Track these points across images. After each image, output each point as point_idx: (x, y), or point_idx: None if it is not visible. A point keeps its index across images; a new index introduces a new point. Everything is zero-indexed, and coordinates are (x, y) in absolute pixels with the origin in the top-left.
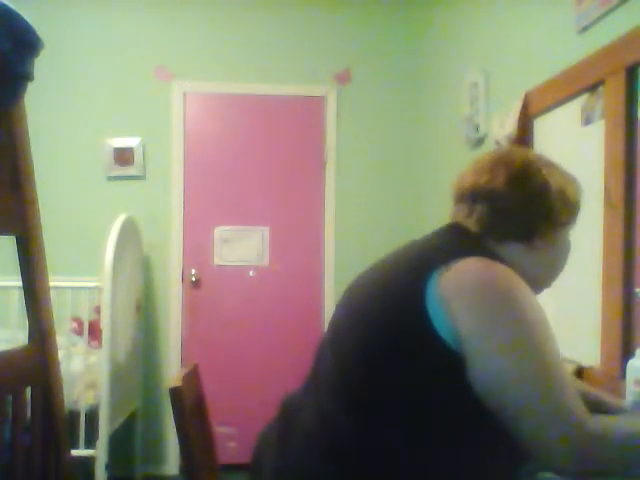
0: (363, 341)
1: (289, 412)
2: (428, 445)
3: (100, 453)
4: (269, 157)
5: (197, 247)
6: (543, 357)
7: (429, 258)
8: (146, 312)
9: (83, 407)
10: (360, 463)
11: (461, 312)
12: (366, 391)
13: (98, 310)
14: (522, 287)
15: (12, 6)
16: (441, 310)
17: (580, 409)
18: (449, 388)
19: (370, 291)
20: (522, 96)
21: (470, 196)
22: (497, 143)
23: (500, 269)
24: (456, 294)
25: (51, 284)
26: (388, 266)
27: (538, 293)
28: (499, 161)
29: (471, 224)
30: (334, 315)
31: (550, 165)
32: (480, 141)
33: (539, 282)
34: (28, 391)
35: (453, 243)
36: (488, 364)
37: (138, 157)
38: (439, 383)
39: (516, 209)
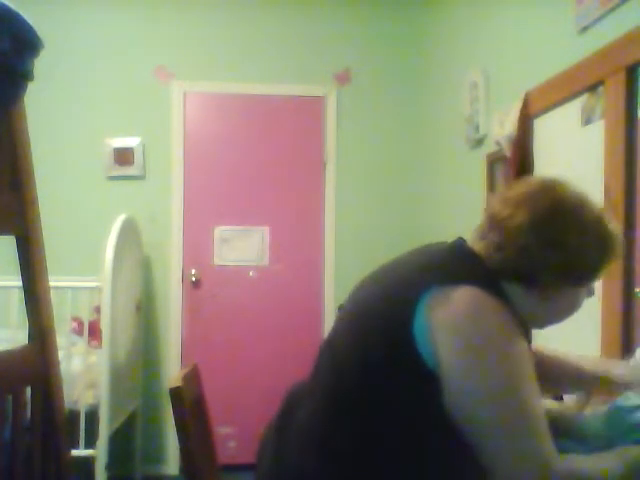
0: (355, 348)
1: (290, 406)
2: (409, 453)
3: (100, 453)
4: (269, 157)
5: (197, 247)
6: (518, 400)
7: (426, 275)
8: (146, 312)
9: (83, 407)
10: (350, 465)
11: (444, 342)
12: (356, 398)
13: (98, 310)
14: (509, 329)
15: (12, 6)
16: (426, 332)
17: (549, 450)
18: (425, 403)
19: (369, 299)
20: (522, 96)
21: (489, 221)
22: (497, 143)
23: (493, 307)
24: (443, 323)
25: (51, 284)
26: (390, 275)
27: (532, 328)
28: (527, 199)
29: (481, 248)
30: (338, 316)
31: (586, 217)
32: (480, 141)
33: (533, 322)
34: (28, 391)
35: (455, 265)
36: (462, 397)
37: (138, 157)
38: (417, 397)
39: (522, 255)
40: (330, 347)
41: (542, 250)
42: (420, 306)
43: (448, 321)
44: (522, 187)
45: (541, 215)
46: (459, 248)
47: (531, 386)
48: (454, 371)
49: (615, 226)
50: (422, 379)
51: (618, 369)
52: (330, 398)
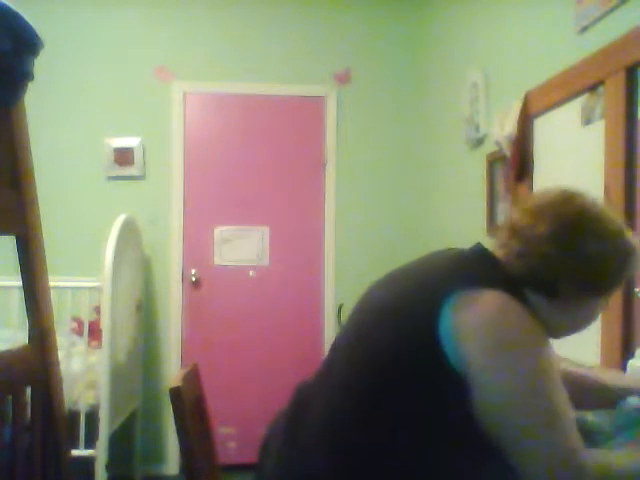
0: (378, 349)
1: (301, 404)
2: (426, 458)
3: (100, 453)
4: (269, 157)
5: (197, 247)
6: (546, 399)
7: (450, 281)
8: (146, 312)
9: (83, 407)
10: (366, 465)
11: (472, 343)
12: (376, 401)
13: (98, 310)
14: (536, 331)
15: (12, 6)
16: (452, 335)
17: (579, 447)
18: (452, 408)
19: (391, 300)
20: (522, 96)
21: (510, 230)
22: (497, 143)
23: (518, 311)
24: (471, 325)
25: (51, 284)
26: (412, 277)
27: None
28: (550, 208)
29: (502, 255)
30: (352, 314)
31: (607, 228)
32: (480, 141)
33: (550, 332)
34: (28, 391)
35: (479, 270)
36: (492, 397)
37: (138, 157)
38: (439, 400)
39: (545, 266)
40: (347, 347)
41: (563, 259)
42: (445, 309)
43: (476, 322)
44: (542, 197)
45: (563, 224)
46: (482, 254)
47: (558, 384)
48: (484, 371)
49: (635, 239)
50: (447, 382)
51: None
52: (349, 398)
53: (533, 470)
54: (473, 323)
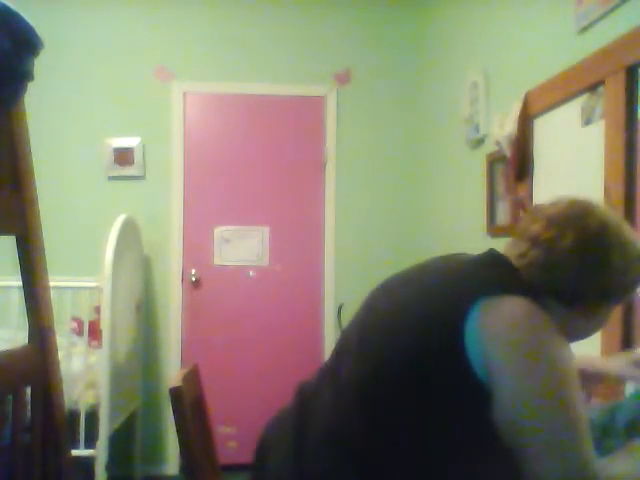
0: (398, 357)
1: (305, 406)
2: (440, 462)
3: (100, 453)
4: (269, 157)
5: (197, 247)
6: (567, 407)
7: (475, 286)
8: (146, 312)
9: (83, 407)
10: (377, 467)
11: (497, 350)
12: (391, 405)
13: (98, 310)
14: (558, 337)
15: (12, 6)
16: (478, 342)
17: (592, 456)
18: (470, 414)
19: (408, 304)
20: (522, 96)
21: (530, 241)
22: (497, 143)
23: (542, 316)
24: (496, 332)
25: (51, 284)
26: (428, 283)
27: None
28: (574, 220)
29: (520, 265)
30: (361, 316)
31: (625, 241)
32: (480, 141)
33: (565, 337)
34: (28, 391)
35: (501, 276)
36: (513, 402)
37: (138, 157)
38: (463, 410)
39: (570, 277)
40: (359, 350)
41: (589, 271)
42: (472, 316)
43: (501, 329)
44: (561, 208)
45: (589, 236)
46: (501, 260)
47: (578, 392)
48: (507, 376)
49: None
50: (467, 388)
51: (617, 366)
52: (360, 402)
53: (545, 475)
54: (499, 328)
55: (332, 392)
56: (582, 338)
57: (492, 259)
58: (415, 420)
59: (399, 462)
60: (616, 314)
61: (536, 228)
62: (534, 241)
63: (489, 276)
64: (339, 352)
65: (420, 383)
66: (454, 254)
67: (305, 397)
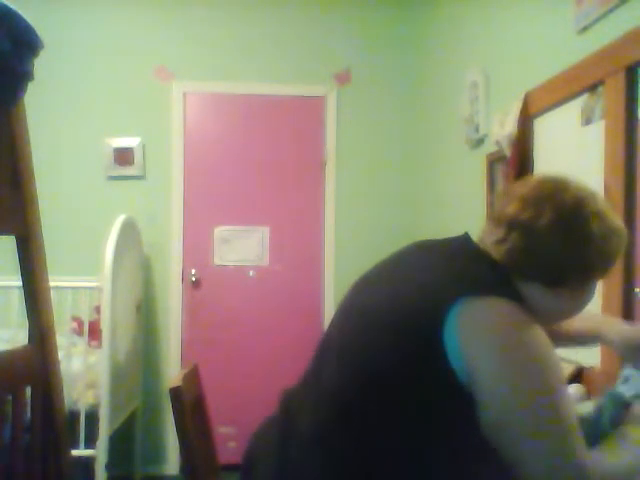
0: (374, 359)
1: (290, 412)
2: (426, 468)
3: (100, 453)
4: (269, 157)
5: (197, 247)
6: (553, 403)
7: (452, 285)
8: (146, 312)
9: (83, 407)
10: (359, 476)
11: (478, 352)
12: (373, 411)
13: (98, 310)
14: (540, 336)
15: (12, 6)
16: (457, 345)
17: (584, 452)
18: (451, 417)
19: (384, 305)
20: (522, 96)
21: (507, 224)
22: (497, 143)
23: (521, 317)
24: (476, 335)
25: (51, 284)
26: (403, 280)
27: (545, 325)
28: (549, 198)
29: (499, 252)
30: (340, 316)
31: (602, 211)
32: (480, 141)
33: (548, 319)
34: (28, 391)
35: (477, 274)
36: (497, 404)
37: (138, 157)
38: (442, 411)
39: (551, 256)
40: (337, 353)
41: (572, 245)
42: (450, 321)
43: (482, 332)
44: (533, 187)
45: (567, 211)
46: (476, 252)
47: (564, 390)
48: (490, 379)
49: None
50: (448, 390)
51: (613, 334)
52: (339, 407)
53: (536, 476)
54: (478, 333)
55: (314, 397)
56: (568, 318)
57: (468, 251)
58: (397, 426)
59: (383, 467)
60: (616, 314)
61: (511, 210)
62: (511, 224)
63: (466, 274)
64: (320, 355)
65: (402, 389)
66: (429, 241)
67: (289, 403)
